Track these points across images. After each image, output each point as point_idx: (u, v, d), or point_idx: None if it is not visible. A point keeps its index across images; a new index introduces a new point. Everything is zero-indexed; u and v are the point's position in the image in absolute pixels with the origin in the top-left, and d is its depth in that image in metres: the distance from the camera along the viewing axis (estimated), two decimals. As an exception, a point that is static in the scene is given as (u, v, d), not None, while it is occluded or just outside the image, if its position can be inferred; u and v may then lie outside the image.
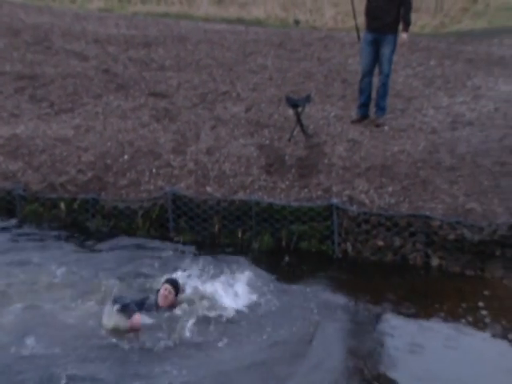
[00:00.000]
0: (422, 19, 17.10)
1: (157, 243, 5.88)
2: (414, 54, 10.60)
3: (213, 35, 11.85)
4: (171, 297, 4.66)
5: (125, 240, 5.93)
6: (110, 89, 8.68)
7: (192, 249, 5.79)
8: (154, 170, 6.52)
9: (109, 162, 6.68)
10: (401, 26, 6.85)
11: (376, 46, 6.82)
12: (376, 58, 6.90)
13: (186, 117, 7.67)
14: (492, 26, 15.89)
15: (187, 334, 4.38)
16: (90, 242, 5.89)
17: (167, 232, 6.08)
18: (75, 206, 6.22)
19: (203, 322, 4.52)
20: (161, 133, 7.25)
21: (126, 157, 6.74)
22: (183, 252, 5.70)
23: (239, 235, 5.95)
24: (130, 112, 7.86)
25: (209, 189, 6.23)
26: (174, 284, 4.75)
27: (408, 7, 6.66)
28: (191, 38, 11.50)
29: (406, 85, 8.78)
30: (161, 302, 4.64)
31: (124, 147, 6.92)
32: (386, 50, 6.77)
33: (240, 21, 15.90)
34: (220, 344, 4.32)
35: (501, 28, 14.92)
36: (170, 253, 5.66)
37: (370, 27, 6.82)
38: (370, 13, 6.79)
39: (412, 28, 15.57)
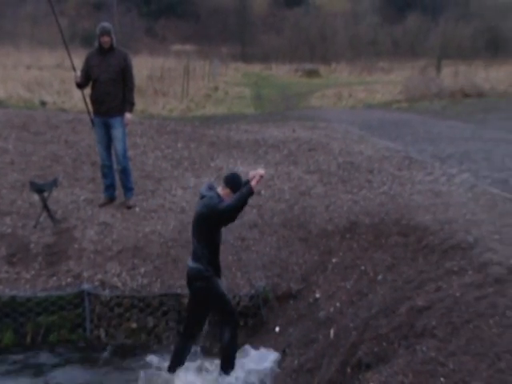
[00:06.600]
0: (170, 103, 18.22)
1: None
2: (163, 137, 11.15)
3: None
4: None
5: None
6: None
7: None
8: None
9: None
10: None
11: (107, 128, 6.99)
12: (110, 141, 7.06)
13: None
14: (230, 111, 17.73)
15: None
16: None
17: None
18: None
19: None
20: None
21: None
22: None
23: (-24, 336, 5.38)
24: None
25: None
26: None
27: (130, 88, 6.95)
28: None
29: (155, 166, 9.10)
30: None
31: None
32: (116, 132, 6.97)
33: (-22, 100, 14.89)
34: None
35: (238, 114, 16.72)
36: None
37: (99, 112, 6.96)
38: (97, 99, 6.93)
39: (161, 111, 16.63)
